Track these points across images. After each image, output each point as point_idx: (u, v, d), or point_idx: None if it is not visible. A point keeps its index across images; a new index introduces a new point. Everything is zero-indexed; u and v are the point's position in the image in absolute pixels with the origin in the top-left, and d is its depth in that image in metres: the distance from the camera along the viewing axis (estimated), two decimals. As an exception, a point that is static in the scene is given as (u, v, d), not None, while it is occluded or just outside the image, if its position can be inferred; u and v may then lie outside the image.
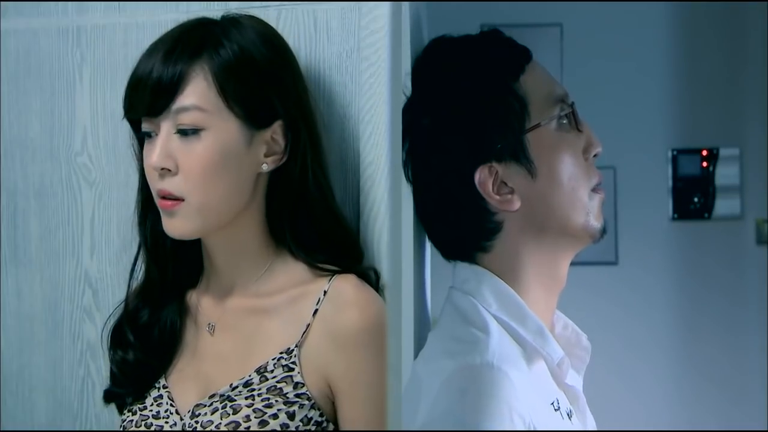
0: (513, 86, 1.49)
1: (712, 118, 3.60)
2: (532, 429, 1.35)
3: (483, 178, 1.49)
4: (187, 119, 1.41)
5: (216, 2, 1.64)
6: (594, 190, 1.53)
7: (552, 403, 1.44)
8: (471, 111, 1.50)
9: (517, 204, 1.49)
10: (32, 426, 1.71)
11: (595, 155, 1.54)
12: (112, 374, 1.56)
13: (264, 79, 1.45)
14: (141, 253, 1.54)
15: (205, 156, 1.41)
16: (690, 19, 3.61)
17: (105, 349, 1.57)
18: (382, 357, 1.37)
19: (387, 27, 1.51)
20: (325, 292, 1.43)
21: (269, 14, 1.58)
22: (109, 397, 1.56)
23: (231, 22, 1.48)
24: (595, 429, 1.59)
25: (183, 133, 1.41)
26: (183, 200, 1.41)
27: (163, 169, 1.41)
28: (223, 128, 1.42)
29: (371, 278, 1.48)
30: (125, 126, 1.51)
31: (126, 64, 1.68)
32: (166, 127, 1.42)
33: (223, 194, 1.43)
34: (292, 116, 1.47)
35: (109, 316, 1.59)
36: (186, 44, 1.43)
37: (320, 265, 1.47)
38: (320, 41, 1.60)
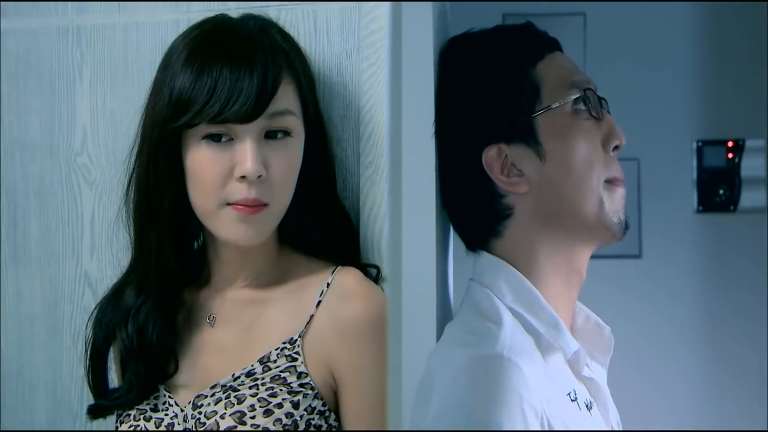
0: (528, 71, 1.47)
1: (737, 109, 3.55)
2: (544, 419, 1.33)
3: (490, 158, 1.47)
4: (282, 123, 1.42)
5: (216, 2, 1.63)
6: (611, 181, 1.48)
7: (569, 394, 1.42)
8: (482, 93, 1.49)
9: (524, 187, 1.47)
10: (32, 426, 1.73)
11: (615, 148, 1.48)
12: (100, 388, 1.54)
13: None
14: (149, 255, 1.48)
15: (293, 160, 1.44)
16: (715, 9, 3.56)
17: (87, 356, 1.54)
18: (385, 349, 1.38)
19: (387, 27, 1.51)
20: (328, 284, 1.44)
21: (269, 14, 1.57)
22: (98, 411, 1.54)
23: (271, 24, 1.48)
24: (618, 421, 1.57)
25: (274, 137, 1.41)
26: (266, 205, 1.41)
27: (259, 176, 1.39)
28: (301, 132, 1.45)
29: (371, 273, 1.49)
30: (125, 126, 1.51)
31: (126, 64, 1.69)
32: (254, 132, 1.40)
33: (290, 198, 1.45)
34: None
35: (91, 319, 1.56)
36: (266, 48, 1.42)
37: (322, 258, 1.49)
38: (320, 41, 1.60)
